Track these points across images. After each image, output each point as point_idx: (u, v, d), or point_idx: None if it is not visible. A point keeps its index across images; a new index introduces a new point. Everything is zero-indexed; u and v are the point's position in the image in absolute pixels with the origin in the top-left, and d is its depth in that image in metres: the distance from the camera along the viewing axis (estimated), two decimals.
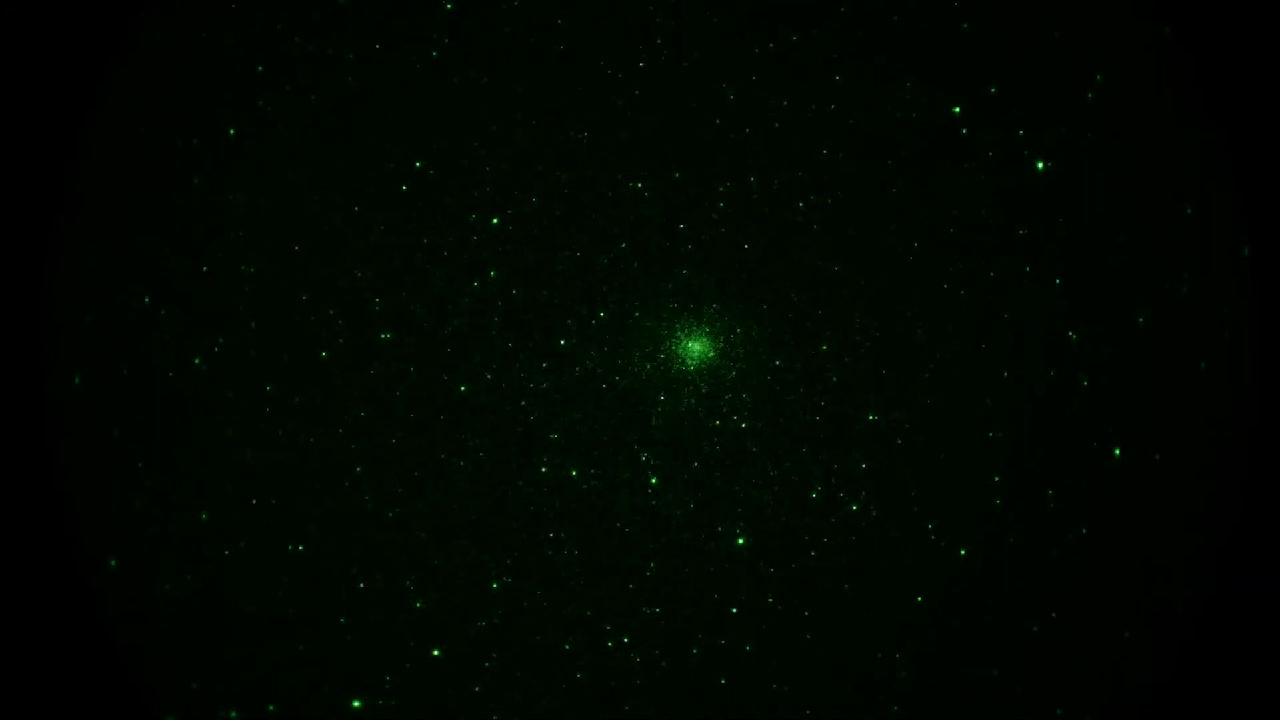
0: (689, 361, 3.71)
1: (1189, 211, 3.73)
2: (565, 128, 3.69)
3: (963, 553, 3.72)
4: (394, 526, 3.67)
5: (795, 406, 3.71)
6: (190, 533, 3.68)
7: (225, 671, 3.69)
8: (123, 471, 3.81)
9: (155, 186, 3.79)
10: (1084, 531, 3.74)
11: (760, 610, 3.73)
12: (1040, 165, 3.70)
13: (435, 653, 3.69)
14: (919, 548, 3.72)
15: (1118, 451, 3.72)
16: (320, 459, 3.66)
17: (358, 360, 3.68)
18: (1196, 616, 4.07)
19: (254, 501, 3.68)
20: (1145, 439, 3.74)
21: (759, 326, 3.71)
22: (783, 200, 3.69)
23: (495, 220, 3.69)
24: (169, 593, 3.69)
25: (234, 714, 3.82)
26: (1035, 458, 3.72)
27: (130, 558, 3.75)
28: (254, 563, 3.67)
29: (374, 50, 3.70)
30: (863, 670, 3.74)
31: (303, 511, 3.66)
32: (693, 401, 3.71)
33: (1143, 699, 3.96)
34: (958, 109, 3.70)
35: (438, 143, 3.69)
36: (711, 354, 3.71)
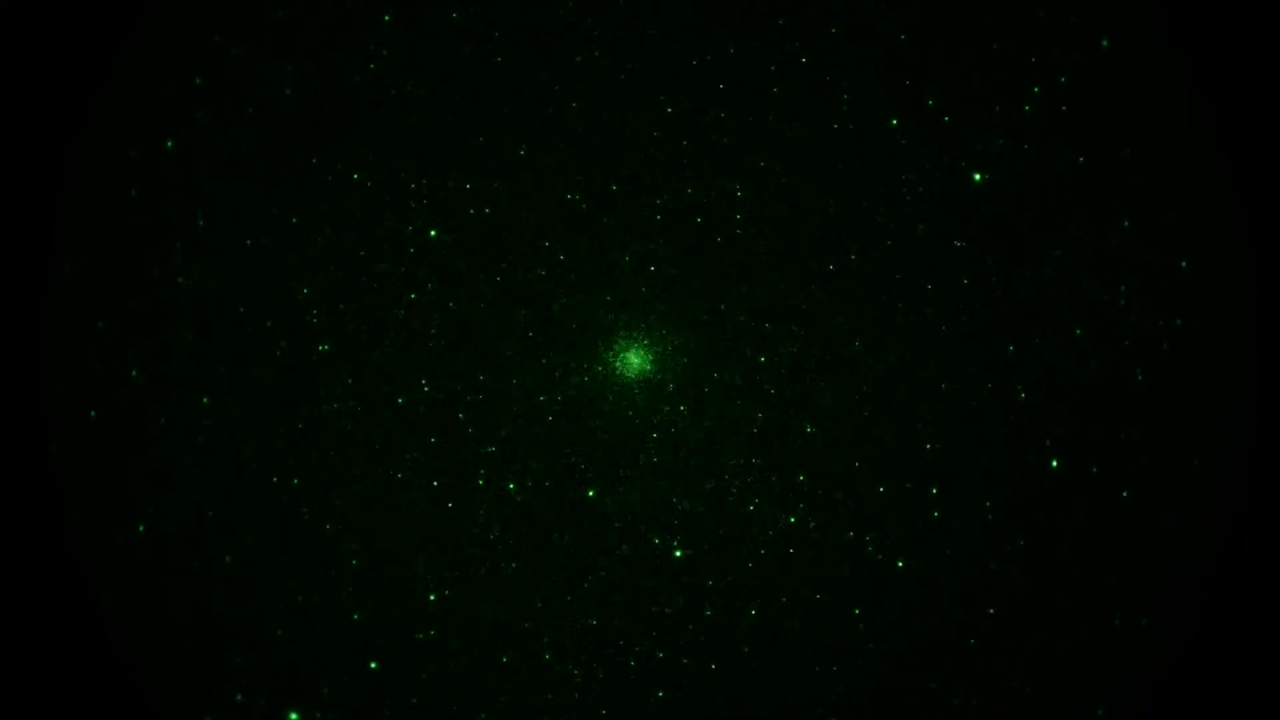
0: (626, 374, 3.71)
1: (1125, 225, 3.72)
2: (501, 140, 3.70)
3: (900, 565, 3.72)
4: (330, 538, 3.67)
5: (732, 418, 3.71)
6: (123, 544, 3.69)
7: (160, 683, 3.69)
8: (66, 482, 3.83)
9: (94, 200, 3.81)
10: (1022, 544, 3.73)
11: (698, 622, 3.73)
12: (977, 177, 3.70)
13: (372, 665, 3.70)
14: (857, 560, 3.72)
15: (1055, 463, 3.72)
16: (256, 471, 3.67)
17: (295, 373, 3.69)
18: (1151, 632, 4.05)
19: (188, 513, 3.68)
20: (1083, 451, 3.73)
21: (696, 339, 3.71)
22: (719, 212, 3.70)
23: (433, 233, 3.70)
24: (103, 605, 3.70)
25: None
26: (973, 470, 3.72)
27: (69, 572, 3.77)
28: (188, 574, 3.67)
29: (309, 62, 3.71)
30: (801, 683, 3.73)
31: (238, 523, 3.66)
32: (630, 414, 3.71)
33: (1090, 715, 3.95)
34: (895, 120, 3.70)
35: (375, 155, 3.70)
36: (649, 366, 3.71)
